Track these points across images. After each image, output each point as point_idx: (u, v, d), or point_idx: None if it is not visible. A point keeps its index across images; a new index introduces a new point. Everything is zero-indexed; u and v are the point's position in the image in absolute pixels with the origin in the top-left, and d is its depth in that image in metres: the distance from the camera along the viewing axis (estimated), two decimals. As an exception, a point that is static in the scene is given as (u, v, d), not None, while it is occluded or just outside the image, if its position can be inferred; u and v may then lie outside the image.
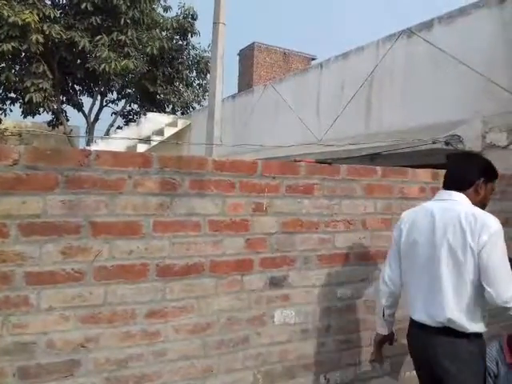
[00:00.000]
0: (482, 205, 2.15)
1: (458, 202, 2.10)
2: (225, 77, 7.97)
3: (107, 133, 16.04)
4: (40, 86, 12.58)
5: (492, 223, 1.98)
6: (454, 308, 1.99)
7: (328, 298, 2.64)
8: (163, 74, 15.36)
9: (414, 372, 2.92)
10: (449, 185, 2.22)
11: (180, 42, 15.65)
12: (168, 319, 2.19)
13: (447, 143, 4.21)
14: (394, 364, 2.87)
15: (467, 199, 2.11)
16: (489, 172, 2.22)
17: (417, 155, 4.55)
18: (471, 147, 4.22)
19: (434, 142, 4.27)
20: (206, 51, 16.34)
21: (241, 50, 20.51)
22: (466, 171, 2.20)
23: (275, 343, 2.48)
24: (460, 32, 5.10)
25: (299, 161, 2.74)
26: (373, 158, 4.90)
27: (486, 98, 4.54)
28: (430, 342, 2.09)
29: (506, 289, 1.93)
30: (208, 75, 15.35)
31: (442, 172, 3.07)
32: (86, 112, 16.06)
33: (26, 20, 11.40)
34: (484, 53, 4.70)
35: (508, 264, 1.97)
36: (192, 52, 16.48)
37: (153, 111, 15.14)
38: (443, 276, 2.02)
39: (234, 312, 2.35)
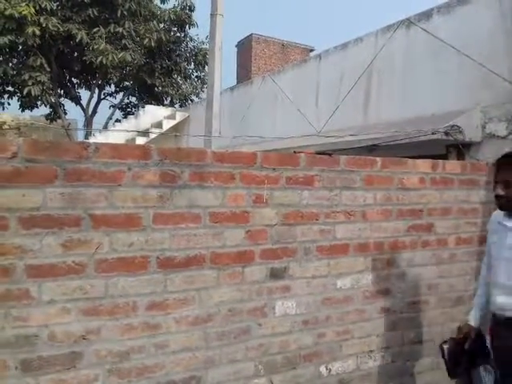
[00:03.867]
0: None
1: None
2: (223, 69, 7.93)
3: (105, 126, 15.97)
4: (38, 79, 12.50)
5: None
6: None
7: (328, 288, 2.65)
8: (161, 67, 15.26)
9: (415, 361, 2.95)
10: None
11: (178, 34, 15.52)
12: (169, 311, 2.19)
13: (447, 134, 4.19)
14: (395, 354, 2.88)
15: None
16: None
17: (416, 146, 4.53)
18: (471, 137, 4.22)
19: (433, 133, 4.26)
20: (203, 43, 16.21)
21: (239, 42, 20.41)
22: None
23: (276, 334, 2.49)
24: (459, 22, 5.06)
25: (299, 152, 2.74)
26: (371, 150, 4.88)
27: (486, 88, 4.52)
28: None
29: None
30: (206, 67, 15.26)
31: (442, 162, 3.08)
32: (84, 105, 15.98)
33: (23, 13, 11.32)
34: (483, 42, 4.67)
35: None
36: (190, 44, 16.35)
37: (151, 104, 15.07)
38: None
39: (235, 303, 2.36)
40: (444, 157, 4.43)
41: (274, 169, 2.46)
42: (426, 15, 5.54)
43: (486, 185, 3.20)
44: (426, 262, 2.99)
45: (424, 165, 2.98)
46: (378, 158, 2.83)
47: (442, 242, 3.06)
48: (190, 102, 17.01)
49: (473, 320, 2.45)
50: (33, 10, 11.58)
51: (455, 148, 4.42)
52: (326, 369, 2.64)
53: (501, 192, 2.15)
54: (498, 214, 2.30)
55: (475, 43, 4.76)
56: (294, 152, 2.78)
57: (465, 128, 4.28)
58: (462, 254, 3.14)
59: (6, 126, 16.42)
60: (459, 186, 3.11)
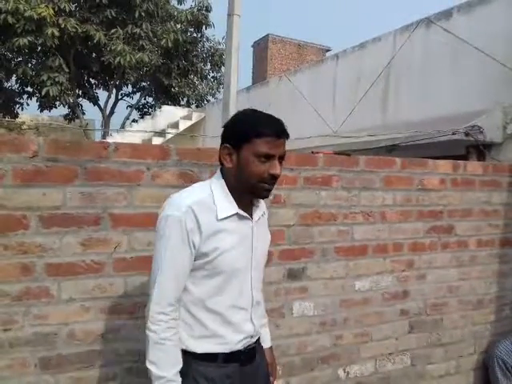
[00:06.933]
0: (241, 182, 1.55)
1: (202, 181, 1.68)
2: (239, 69, 7.92)
3: (123, 126, 16.12)
4: (56, 79, 12.66)
5: (165, 208, 1.54)
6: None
7: (346, 290, 2.62)
8: (178, 67, 15.35)
9: (435, 365, 2.91)
10: None
11: (194, 35, 15.60)
12: (187, 311, 2.18)
13: (467, 134, 4.13)
14: (415, 357, 2.84)
15: (218, 177, 1.60)
16: (232, 133, 1.56)
17: (436, 146, 4.47)
18: (492, 138, 4.14)
19: (453, 133, 4.20)
20: (220, 43, 16.31)
21: (255, 42, 20.44)
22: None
23: (294, 335, 2.47)
24: (480, 21, 4.99)
25: (317, 152, 2.72)
26: (390, 150, 4.83)
27: (507, 88, 4.44)
28: None
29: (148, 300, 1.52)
30: (222, 68, 15.32)
31: (463, 163, 3.03)
32: (102, 105, 16.15)
33: (42, 14, 11.47)
34: (505, 42, 4.60)
35: (161, 267, 1.49)
36: (206, 44, 16.45)
37: (168, 104, 15.17)
38: None
39: (252, 304, 2.34)
40: (464, 157, 4.36)
41: (291, 169, 2.45)
42: (446, 14, 5.48)
43: (508, 186, 3.14)
44: (446, 263, 2.95)
45: (445, 165, 2.93)
46: (397, 159, 2.79)
47: (463, 244, 3.01)
48: (206, 102, 17.09)
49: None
50: (52, 12, 11.73)
51: (475, 149, 4.35)
52: (344, 371, 2.61)
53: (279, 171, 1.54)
54: (191, 199, 1.51)
55: (496, 42, 4.69)
56: (312, 152, 2.76)
57: (485, 128, 4.21)
58: (483, 257, 3.09)
59: (25, 126, 16.65)
60: (481, 188, 3.05)
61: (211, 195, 1.55)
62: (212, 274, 1.54)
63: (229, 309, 1.58)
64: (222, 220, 1.53)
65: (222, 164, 1.60)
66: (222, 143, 1.57)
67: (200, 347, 1.55)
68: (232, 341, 1.59)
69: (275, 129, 1.52)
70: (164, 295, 1.48)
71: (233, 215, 1.56)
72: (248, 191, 1.57)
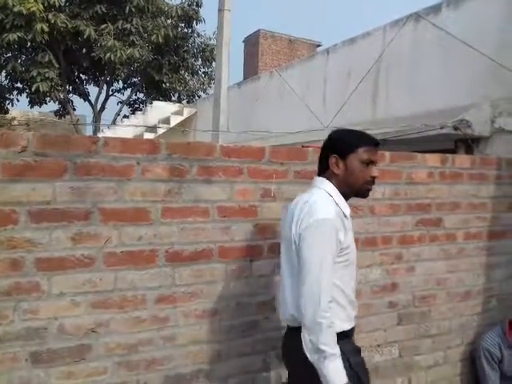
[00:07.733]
0: (349, 185, 1.86)
1: (315, 189, 1.89)
2: (230, 64, 7.92)
3: (114, 122, 16.03)
4: (46, 75, 12.57)
5: (316, 212, 1.75)
6: (292, 304, 1.86)
7: (336, 283, 2.64)
8: (169, 63, 15.29)
9: (423, 356, 2.95)
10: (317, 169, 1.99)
11: (185, 30, 15.55)
12: (177, 304, 2.20)
13: (455, 128, 4.16)
14: (403, 349, 2.87)
15: (328, 183, 1.87)
16: (339, 145, 1.87)
17: (425, 141, 4.51)
18: (480, 132, 4.18)
19: (441, 127, 4.23)
20: (211, 39, 16.25)
21: (246, 38, 20.37)
22: (321, 152, 1.95)
23: (284, 328, 2.48)
24: (468, 15, 5.02)
25: (307, 147, 2.74)
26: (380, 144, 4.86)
27: (495, 82, 4.48)
28: (284, 341, 2.04)
29: (304, 293, 1.72)
30: (213, 63, 15.29)
31: (451, 157, 3.07)
32: (93, 101, 16.06)
33: (31, 9, 11.37)
34: (493, 36, 4.63)
35: (320, 267, 1.70)
36: (197, 40, 16.39)
37: (158, 100, 15.10)
38: (284, 271, 1.94)
39: (243, 297, 2.37)
40: (453, 151, 4.40)
41: (282, 163, 2.46)
42: (435, 9, 5.50)
43: (495, 179, 3.18)
44: (435, 256, 2.98)
45: (433, 159, 2.96)
46: (386, 153, 2.82)
47: (451, 237, 3.05)
48: (197, 97, 17.04)
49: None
50: (41, 7, 11.63)
51: (464, 143, 4.39)
52: (334, 363, 2.63)
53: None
54: (331, 204, 1.81)
55: (485, 37, 4.72)
56: (302, 146, 2.78)
57: (474, 122, 4.25)
58: (471, 249, 3.13)
59: (15, 122, 16.52)
60: (468, 181, 3.09)
61: (333, 199, 1.83)
62: (347, 265, 1.85)
63: (353, 292, 1.92)
64: (347, 219, 1.86)
65: (321, 171, 1.92)
66: (328, 154, 1.87)
67: (344, 326, 1.84)
68: (353, 318, 1.92)
69: (373, 140, 1.88)
70: (329, 286, 1.72)
71: (348, 214, 1.88)
72: (353, 192, 1.90)
